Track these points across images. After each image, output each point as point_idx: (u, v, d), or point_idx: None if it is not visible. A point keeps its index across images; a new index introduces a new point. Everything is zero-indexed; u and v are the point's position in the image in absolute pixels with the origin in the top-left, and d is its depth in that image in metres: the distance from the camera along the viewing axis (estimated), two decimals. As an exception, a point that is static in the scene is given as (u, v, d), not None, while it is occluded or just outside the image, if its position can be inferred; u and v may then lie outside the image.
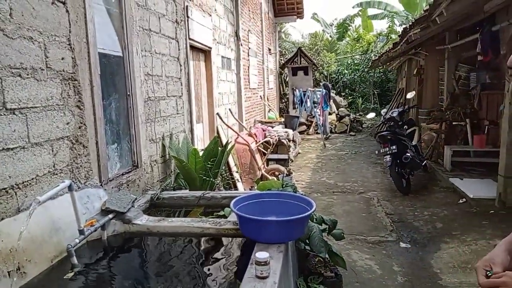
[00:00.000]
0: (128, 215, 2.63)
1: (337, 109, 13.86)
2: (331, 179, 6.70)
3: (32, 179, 2.18)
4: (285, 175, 4.82)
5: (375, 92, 17.52)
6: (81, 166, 2.62)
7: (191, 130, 4.95)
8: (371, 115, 8.09)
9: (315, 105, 11.41)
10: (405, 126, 6.38)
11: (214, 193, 3.42)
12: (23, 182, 2.11)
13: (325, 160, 8.39)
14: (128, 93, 3.40)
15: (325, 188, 6.15)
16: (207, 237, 2.65)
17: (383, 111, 7.46)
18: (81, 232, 2.25)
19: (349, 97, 17.67)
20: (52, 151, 2.35)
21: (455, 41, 7.01)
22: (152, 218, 2.72)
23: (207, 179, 3.76)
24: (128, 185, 3.26)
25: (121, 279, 2.21)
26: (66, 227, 2.28)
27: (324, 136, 10.95)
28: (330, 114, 12.83)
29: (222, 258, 2.47)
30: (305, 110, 11.80)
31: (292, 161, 8.10)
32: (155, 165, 3.86)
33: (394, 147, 5.57)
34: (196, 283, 2.13)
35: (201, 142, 5.47)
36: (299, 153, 9.29)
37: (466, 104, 6.84)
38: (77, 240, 2.20)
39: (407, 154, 5.46)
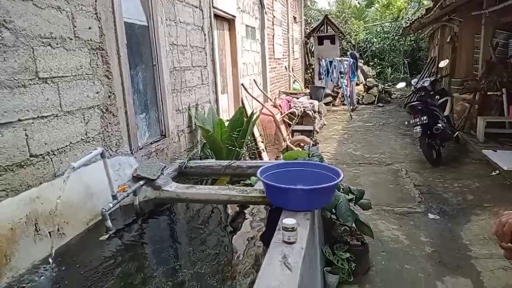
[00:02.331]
0: (158, 182, 2.70)
1: (365, 80, 13.45)
2: (357, 151, 6.60)
3: (66, 146, 2.26)
4: (311, 145, 4.78)
5: (405, 62, 16.83)
6: (112, 134, 2.69)
7: (216, 101, 4.95)
8: (401, 85, 7.77)
9: (342, 75, 11.11)
10: (437, 96, 6.13)
11: (240, 162, 3.44)
12: (58, 149, 2.19)
13: (352, 132, 8.25)
14: (154, 63, 3.41)
15: (351, 159, 6.08)
16: (234, 204, 2.69)
17: (414, 81, 7.15)
18: (114, 197, 2.34)
19: (378, 67, 17.07)
20: (84, 119, 2.41)
21: (494, 6, 6.54)
22: (181, 185, 2.78)
23: (233, 149, 3.78)
24: (156, 153, 3.33)
25: (152, 241, 2.30)
26: (100, 192, 2.37)
27: (351, 107, 10.71)
28: (357, 84, 12.48)
29: (247, 225, 2.52)
30: (331, 80, 11.52)
31: (318, 133, 8.01)
32: (182, 135, 3.92)
33: (424, 117, 5.38)
34: (222, 247, 2.19)
35: (226, 113, 5.48)
36: (324, 124, 9.17)
37: (503, 73, 6.46)
38: (111, 205, 2.29)
39: (438, 125, 5.27)
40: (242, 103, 5.87)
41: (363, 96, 12.46)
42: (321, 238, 2.72)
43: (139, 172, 2.69)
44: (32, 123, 2.01)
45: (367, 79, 13.52)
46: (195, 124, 4.12)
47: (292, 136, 6.77)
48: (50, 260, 1.88)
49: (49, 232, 1.98)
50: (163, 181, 2.75)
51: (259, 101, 6.23)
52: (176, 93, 3.77)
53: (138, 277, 1.85)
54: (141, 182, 2.65)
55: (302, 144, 6.20)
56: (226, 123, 4.14)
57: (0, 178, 1.82)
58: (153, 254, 2.14)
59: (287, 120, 6.88)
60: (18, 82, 1.92)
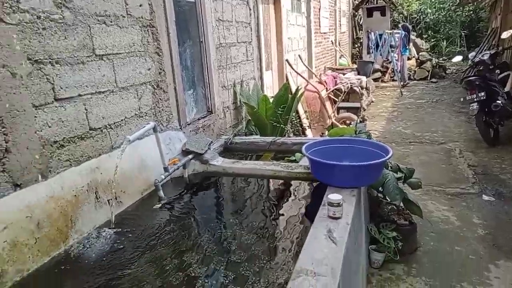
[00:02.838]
0: (206, 156, 2.79)
1: (417, 54, 12.68)
2: (407, 129, 6.34)
3: (121, 120, 2.39)
4: (358, 121, 4.66)
5: (463, 34, 15.60)
6: (162, 110, 2.80)
7: (261, 77, 4.94)
8: (457, 58, 7.22)
9: (392, 49, 10.54)
10: (497, 71, 5.65)
11: (285, 139, 3.45)
12: (114, 123, 2.33)
13: (402, 109, 7.90)
14: (201, 40, 3.45)
15: (401, 138, 5.86)
16: (278, 179, 2.73)
17: (471, 54, 6.64)
18: (165, 169, 2.46)
19: (432, 40, 15.99)
20: (137, 95, 2.53)
21: None
22: (227, 160, 2.85)
23: (278, 125, 3.79)
24: (203, 129, 3.43)
25: (200, 212, 2.41)
26: (152, 165, 2.51)
27: (401, 83, 10.20)
28: (409, 59, 11.81)
29: (291, 200, 2.55)
30: (380, 55, 11.00)
31: (365, 110, 7.77)
32: (227, 111, 3.98)
33: (482, 93, 5.01)
34: (266, 220, 2.24)
35: (270, 90, 5.46)
36: (372, 101, 8.85)
37: None
38: (163, 176, 2.42)
39: (498, 101, 4.89)
40: (287, 79, 5.80)
41: (415, 71, 11.78)
42: (367, 216, 2.69)
43: (188, 147, 2.80)
44: (91, 98, 2.14)
45: (420, 53, 12.73)
46: (240, 100, 4.16)
47: (338, 114, 6.62)
48: (110, 226, 2.04)
49: (108, 200, 2.14)
50: (210, 156, 2.84)
51: (304, 77, 6.12)
52: (221, 69, 3.81)
53: (188, 243, 1.96)
54: (190, 156, 2.75)
55: (348, 122, 6.06)
56: (271, 100, 4.14)
57: (64, 149, 1.97)
58: (201, 223, 2.25)
59: (332, 97, 6.73)
60: (77, 59, 2.04)
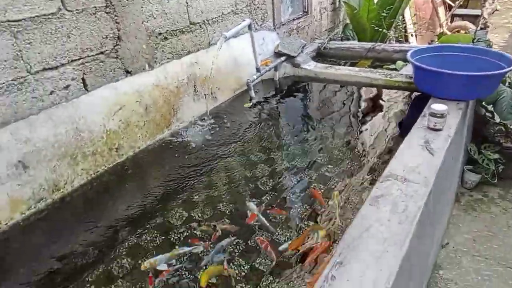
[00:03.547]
0: (298, 59, 2.72)
1: None
2: (536, 44, 5.31)
3: (218, 16, 2.39)
4: (478, 28, 3.98)
5: None
6: (258, 8, 2.71)
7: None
8: None
9: None
10: None
11: (386, 45, 3.16)
12: (212, 19, 2.34)
13: (534, 19, 6.54)
14: None
15: (526, 53, 4.96)
16: (374, 88, 2.58)
17: None
18: (257, 69, 2.48)
19: None
20: (233, -10, 2.46)
21: None
22: (320, 64, 2.75)
23: (379, 30, 3.45)
24: (297, 31, 3.29)
25: (287, 114, 2.44)
26: (245, 64, 2.54)
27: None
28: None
29: (385, 111, 2.42)
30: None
31: (485, 19, 6.59)
32: (324, 12, 3.71)
33: None
34: (354, 128, 2.19)
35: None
36: (496, 10, 7.42)
37: None
38: (255, 76, 2.45)
39: None
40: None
41: None
42: (468, 135, 2.46)
43: (280, 48, 2.74)
44: (190, -9, 2.15)
45: None
46: (339, 1, 3.82)
47: (451, 22, 5.75)
48: (206, 118, 2.20)
49: (205, 94, 2.27)
50: (303, 59, 2.76)
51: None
52: (322, -36, 3.46)
53: (274, 141, 2.04)
54: (282, 58, 2.71)
55: (462, 32, 5.26)
56: (375, 0, 3.71)
57: (167, 41, 2.07)
58: (288, 126, 2.28)
59: (448, 1, 5.79)
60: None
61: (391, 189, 1.24)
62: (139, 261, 1.31)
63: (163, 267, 1.26)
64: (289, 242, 1.34)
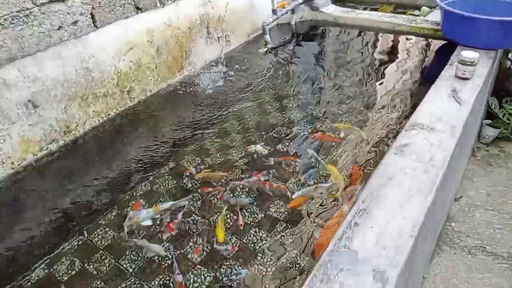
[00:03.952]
0: (317, 1, 2.55)
1: None
2: None
3: (233, -50, 2.21)
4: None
5: None
6: None
7: None
8: None
9: None
10: None
11: (410, -10, 2.95)
12: (226, -47, 2.16)
13: None
14: None
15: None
16: (397, 35, 2.43)
17: None
18: (274, 12, 2.34)
19: None
20: None
21: None
22: (340, 8, 2.59)
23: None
24: (316, -28, 3.06)
25: (302, 61, 2.32)
26: (261, 5, 2.39)
27: None
28: None
29: (408, 59, 2.29)
30: None
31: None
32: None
33: None
34: (374, 76, 2.08)
35: None
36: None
37: None
38: (271, 19, 2.31)
39: None
40: None
41: None
42: (490, 87, 2.36)
43: (298, -11, 2.56)
44: None
45: None
46: None
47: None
48: (220, 63, 2.11)
49: (218, 37, 2.16)
50: (322, 2, 2.59)
51: None
52: None
53: (288, 89, 1.96)
54: (300, 1, 2.54)
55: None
56: None
57: (178, -23, 1.93)
58: (303, 72, 2.17)
59: None
60: None
61: (416, 138, 1.19)
62: (154, 204, 1.30)
63: (147, 223, 1.24)
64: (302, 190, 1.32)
